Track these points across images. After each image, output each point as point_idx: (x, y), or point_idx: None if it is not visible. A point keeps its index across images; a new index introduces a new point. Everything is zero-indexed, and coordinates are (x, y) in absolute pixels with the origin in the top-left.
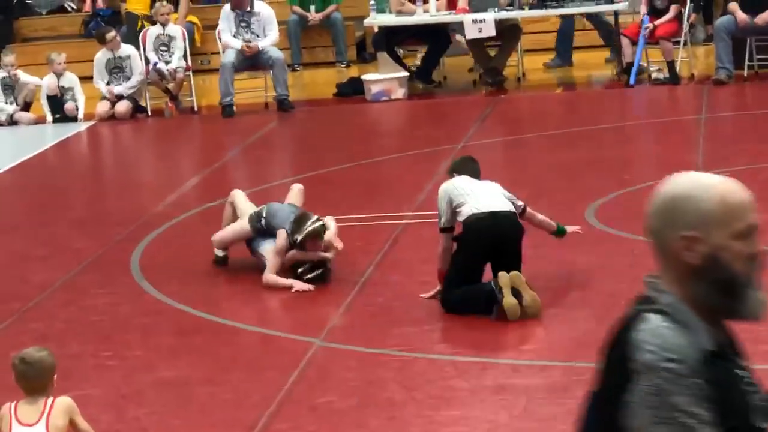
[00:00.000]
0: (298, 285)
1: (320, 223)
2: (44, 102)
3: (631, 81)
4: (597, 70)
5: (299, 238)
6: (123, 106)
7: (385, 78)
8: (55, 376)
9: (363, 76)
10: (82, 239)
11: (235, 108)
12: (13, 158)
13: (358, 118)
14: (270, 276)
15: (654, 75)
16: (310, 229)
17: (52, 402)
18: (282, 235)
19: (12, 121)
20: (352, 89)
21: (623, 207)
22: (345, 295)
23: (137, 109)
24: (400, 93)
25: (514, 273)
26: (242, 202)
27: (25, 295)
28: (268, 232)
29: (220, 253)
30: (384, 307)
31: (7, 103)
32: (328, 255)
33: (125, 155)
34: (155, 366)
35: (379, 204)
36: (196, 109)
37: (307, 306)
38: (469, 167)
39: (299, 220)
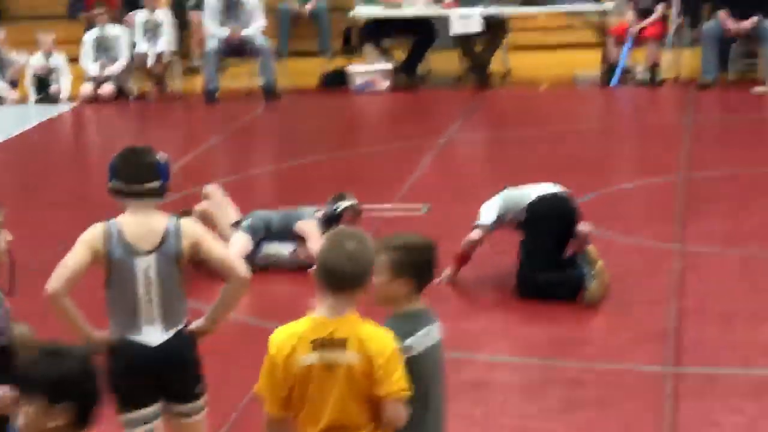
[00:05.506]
0: None
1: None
2: (29, 82)
3: (614, 81)
4: (582, 68)
5: (342, 207)
6: (107, 89)
7: (369, 70)
8: None
9: (348, 67)
10: (61, 221)
11: (218, 94)
12: None
13: (343, 109)
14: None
15: (639, 76)
16: (350, 204)
17: None
18: (310, 223)
19: None
20: (337, 80)
21: (603, 207)
22: None
23: (121, 92)
24: (384, 85)
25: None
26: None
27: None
28: (268, 239)
29: None
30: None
31: None
32: None
33: (108, 138)
34: None
35: (361, 195)
36: (180, 94)
37: (290, 292)
38: None
39: (340, 195)
